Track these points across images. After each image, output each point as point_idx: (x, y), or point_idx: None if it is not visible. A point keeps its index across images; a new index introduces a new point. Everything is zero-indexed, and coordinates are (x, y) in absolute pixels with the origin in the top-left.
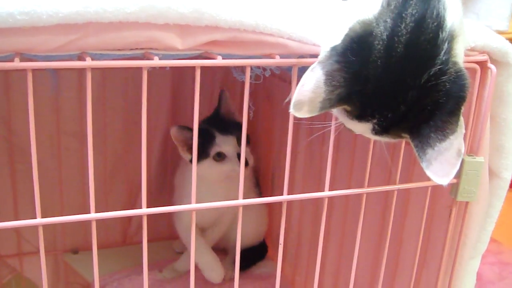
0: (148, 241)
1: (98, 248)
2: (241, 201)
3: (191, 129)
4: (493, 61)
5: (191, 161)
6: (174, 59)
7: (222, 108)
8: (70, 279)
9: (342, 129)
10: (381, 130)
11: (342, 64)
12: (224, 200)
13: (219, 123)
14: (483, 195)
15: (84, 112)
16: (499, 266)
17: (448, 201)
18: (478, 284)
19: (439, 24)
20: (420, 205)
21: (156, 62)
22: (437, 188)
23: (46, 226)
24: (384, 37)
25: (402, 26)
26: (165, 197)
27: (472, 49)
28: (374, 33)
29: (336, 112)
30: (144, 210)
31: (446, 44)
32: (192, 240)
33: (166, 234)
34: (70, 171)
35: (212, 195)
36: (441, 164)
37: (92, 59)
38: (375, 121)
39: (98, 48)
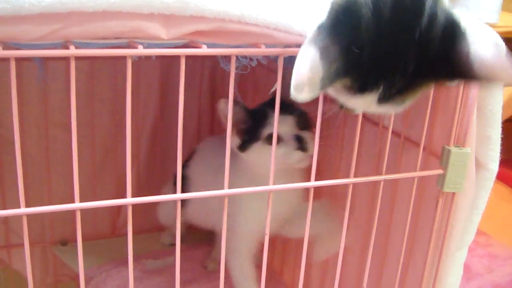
0: (137, 232)
1: (87, 240)
2: (226, 191)
3: (245, 108)
4: None
5: (240, 147)
6: (159, 48)
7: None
8: (59, 271)
9: (331, 118)
10: (388, 96)
11: (334, 37)
12: (283, 205)
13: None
14: (469, 186)
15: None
16: (488, 258)
17: (435, 192)
18: (467, 276)
19: None
20: (408, 196)
21: (140, 51)
22: (424, 179)
23: (34, 218)
24: (369, 3)
25: None
26: (154, 189)
27: None
28: (358, 1)
29: (334, 92)
30: (129, 200)
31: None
32: (177, 228)
33: (154, 225)
34: (58, 162)
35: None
36: (499, 66)
37: (77, 48)
38: (380, 89)
39: (82, 37)
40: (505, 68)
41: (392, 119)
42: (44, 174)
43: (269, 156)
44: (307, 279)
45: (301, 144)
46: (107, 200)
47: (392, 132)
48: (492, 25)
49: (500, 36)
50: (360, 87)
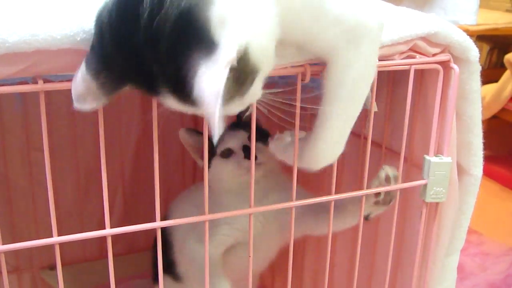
0: (126, 253)
1: (76, 263)
2: (207, 217)
3: (200, 133)
4: (454, 58)
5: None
6: None
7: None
8: None
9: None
10: (175, 96)
11: (92, 49)
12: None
13: (234, 123)
14: (453, 195)
15: (54, 127)
16: (480, 257)
17: (419, 202)
18: (461, 276)
19: None
20: (392, 208)
21: None
22: (407, 190)
23: None
24: (109, 5)
25: None
26: (141, 209)
27: (431, 42)
28: (105, 4)
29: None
30: (108, 231)
31: None
32: (159, 253)
33: (143, 245)
34: (43, 186)
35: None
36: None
37: (46, 81)
38: (162, 88)
39: (51, 73)
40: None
41: (371, 129)
42: (29, 199)
43: (225, 169)
44: None
45: (249, 153)
46: (87, 233)
47: (374, 143)
48: (472, 26)
49: (482, 34)
50: (145, 90)
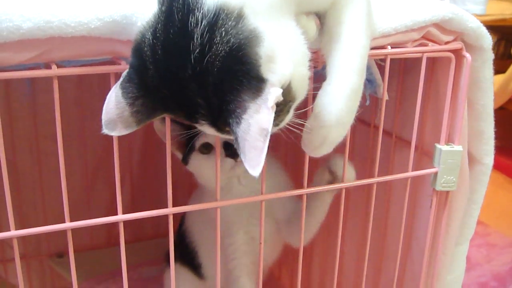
0: (134, 241)
1: (83, 250)
2: (218, 203)
3: (179, 122)
4: (467, 45)
5: (183, 161)
6: None
7: None
8: (56, 284)
9: None
10: (214, 126)
11: (131, 75)
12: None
13: None
14: (463, 184)
15: (62, 114)
16: (486, 248)
17: (430, 191)
18: (467, 266)
19: (190, 8)
20: (402, 196)
21: (123, 67)
22: (418, 178)
23: None
24: (151, 41)
25: (159, 25)
26: (149, 197)
27: (444, 30)
28: (144, 38)
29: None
30: (120, 217)
31: (201, 25)
32: (170, 238)
33: (151, 233)
34: (51, 174)
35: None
36: (249, 152)
37: (59, 66)
38: (202, 119)
39: (63, 59)
40: (255, 162)
41: (383, 118)
42: (38, 187)
43: (204, 165)
44: (305, 282)
45: (230, 151)
46: (99, 218)
47: (384, 132)
48: (480, 16)
49: (489, 25)
50: (182, 118)
